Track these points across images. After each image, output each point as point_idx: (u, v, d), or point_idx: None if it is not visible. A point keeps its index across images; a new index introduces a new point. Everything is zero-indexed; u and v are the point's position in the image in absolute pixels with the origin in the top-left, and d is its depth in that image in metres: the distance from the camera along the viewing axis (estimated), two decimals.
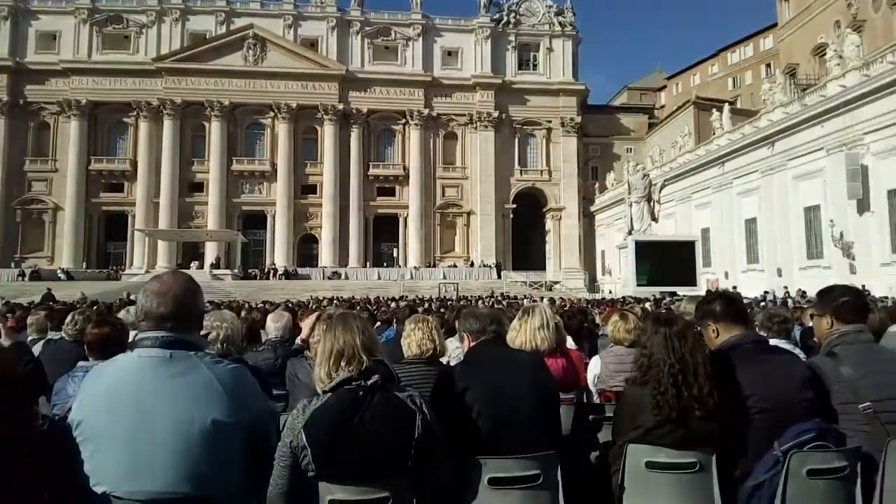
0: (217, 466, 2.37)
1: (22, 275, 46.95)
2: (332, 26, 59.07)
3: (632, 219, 33.73)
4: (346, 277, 51.88)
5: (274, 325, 6.13)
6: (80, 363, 4.18)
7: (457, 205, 60.78)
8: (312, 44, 59.14)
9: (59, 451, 2.35)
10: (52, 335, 6.75)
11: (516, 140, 61.38)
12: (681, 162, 45.68)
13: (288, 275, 51.63)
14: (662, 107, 77.60)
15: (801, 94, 35.05)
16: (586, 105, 64.49)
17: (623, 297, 25.64)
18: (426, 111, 59.40)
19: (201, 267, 50.82)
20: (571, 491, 3.17)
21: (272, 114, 58.00)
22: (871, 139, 27.55)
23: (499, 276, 52.85)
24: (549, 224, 62.34)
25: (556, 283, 54.92)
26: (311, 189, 58.62)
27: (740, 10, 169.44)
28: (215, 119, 56.83)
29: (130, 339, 3.54)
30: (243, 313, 11.07)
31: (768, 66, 63.34)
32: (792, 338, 5.97)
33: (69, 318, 6.04)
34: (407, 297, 30.28)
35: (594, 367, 5.52)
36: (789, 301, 23.17)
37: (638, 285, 28.73)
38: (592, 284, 58.52)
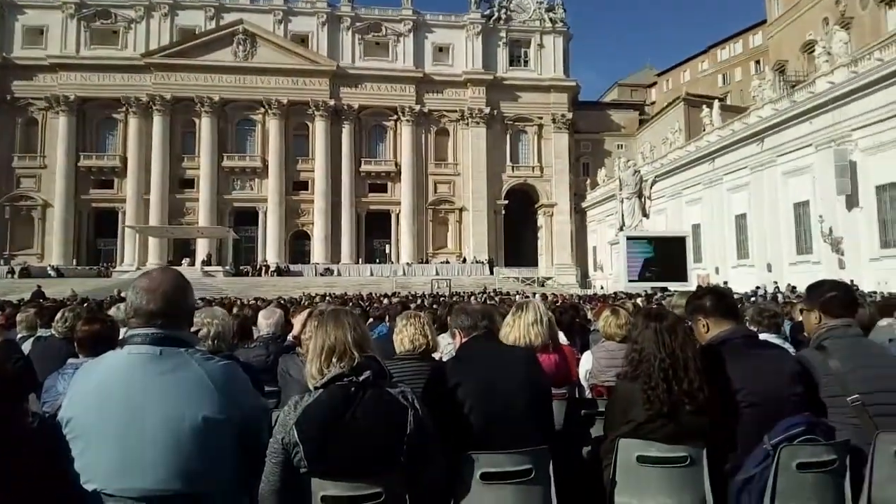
0: (208, 463, 2.36)
1: (11, 272, 46.58)
2: (322, 22, 58.80)
3: (623, 215, 33.82)
4: (339, 274, 51.79)
5: (266, 322, 6.11)
6: (70, 360, 4.16)
7: (449, 201, 60.77)
8: (303, 39, 58.85)
9: (50, 448, 2.34)
10: (41, 332, 6.71)
11: (508, 136, 61.40)
12: (671, 158, 45.85)
13: (280, 271, 51.48)
14: (653, 103, 77.84)
15: (790, 90, 35.24)
16: (577, 101, 64.58)
17: (614, 293, 25.74)
18: (418, 107, 59.30)
19: (193, 264, 50.61)
20: (563, 485, 3.18)
21: (263, 110, 57.70)
22: (860, 135, 27.75)
23: (491, 273, 52.94)
24: (540, 220, 62.46)
25: (549, 279, 55.08)
26: (303, 185, 58.41)
27: (730, 7, 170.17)
28: (205, 115, 56.48)
29: (121, 336, 3.52)
30: (235, 310, 11.04)
31: (758, 62, 63.64)
32: (782, 332, 6.01)
33: (59, 315, 6.00)
34: (399, 293, 30.28)
35: (586, 362, 5.54)
36: (779, 296, 23.33)
37: (629, 281, 28.88)
38: (584, 280, 58.70)
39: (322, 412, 2.60)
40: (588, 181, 62.45)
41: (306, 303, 16.30)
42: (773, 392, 3.29)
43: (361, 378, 2.69)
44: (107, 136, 57.72)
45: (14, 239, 54.43)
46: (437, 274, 50.12)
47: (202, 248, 54.84)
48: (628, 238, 30.87)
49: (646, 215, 33.92)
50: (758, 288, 29.26)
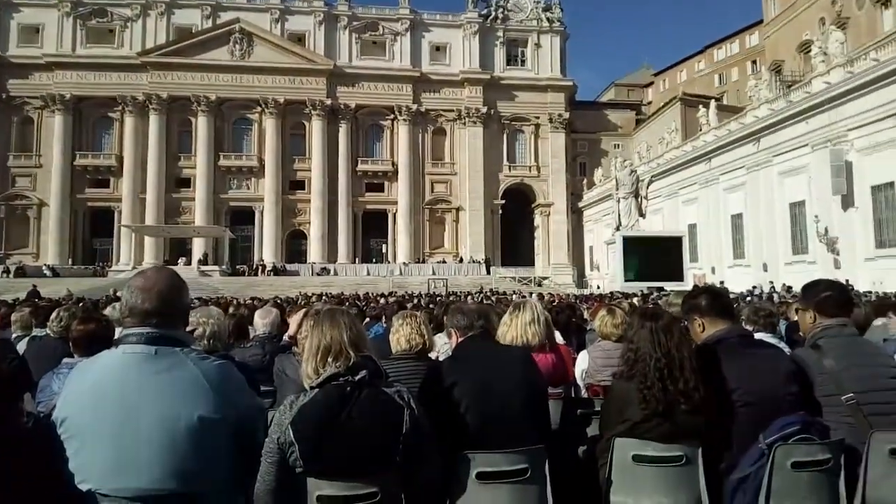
0: (203, 463, 2.35)
1: (7, 272, 46.43)
2: (319, 21, 58.72)
3: (619, 214, 33.84)
4: (335, 273, 51.75)
5: (262, 322, 6.10)
6: (65, 360, 4.15)
7: (446, 200, 60.76)
8: (300, 38, 58.77)
9: (44, 448, 2.33)
10: (36, 332, 6.68)
11: (505, 136, 61.41)
12: (668, 158, 45.93)
13: (276, 271, 51.41)
14: (649, 103, 77.95)
15: (786, 90, 35.30)
16: (574, 101, 64.64)
17: (611, 293, 25.77)
18: (414, 107, 59.28)
19: (189, 263, 50.51)
20: (559, 485, 3.19)
21: (259, 109, 57.60)
22: (856, 135, 27.84)
23: (488, 272, 52.94)
24: (537, 220, 62.50)
25: (545, 278, 55.10)
26: (300, 185, 58.33)
27: (727, 7, 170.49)
28: (202, 114, 56.36)
29: (116, 336, 3.51)
30: (231, 309, 11.03)
31: (754, 62, 63.77)
32: (777, 332, 6.03)
33: (54, 314, 5.98)
34: (396, 293, 30.26)
35: (582, 361, 5.56)
36: (775, 296, 23.39)
37: (625, 281, 28.90)
38: (581, 280, 58.78)
39: (318, 412, 2.60)
40: (585, 181, 62.54)
41: (303, 302, 16.29)
42: (769, 391, 3.29)
43: (357, 378, 2.69)
44: (103, 135, 57.57)
45: (9, 238, 54.25)
46: (434, 274, 50.13)
47: (198, 247, 54.71)
48: (625, 238, 30.89)
49: (642, 215, 33.94)
50: (754, 287, 29.33)
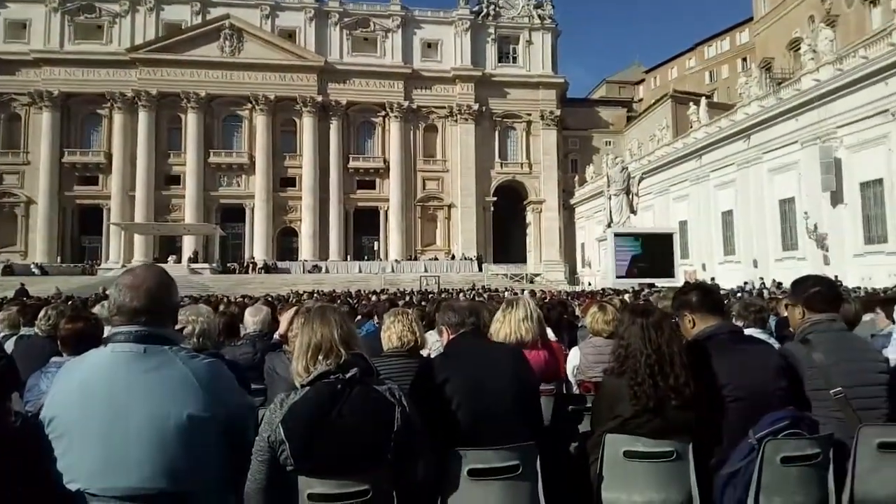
0: (193, 462, 2.34)
1: None
2: (309, 17, 58.45)
3: (611, 211, 33.97)
4: (327, 271, 51.63)
5: (252, 320, 6.09)
6: (54, 359, 4.12)
7: (437, 198, 60.72)
8: (290, 35, 58.48)
9: (32, 448, 2.31)
10: (24, 331, 6.62)
11: (496, 133, 61.41)
12: (659, 155, 46.10)
13: (267, 268, 51.22)
14: (641, 100, 78.20)
15: (776, 87, 35.52)
16: (566, 98, 64.71)
17: (602, 289, 25.87)
18: (406, 103, 59.15)
19: (179, 261, 50.24)
20: (551, 481, 3.19)
21: (250, 105, 57.30)
22: (845, 132, 28.04)
23: (480, 269, 52.95)
24: (529, 217, 62.59)
25: (537, 275, 55.20)
26: (291, 182, 58.10)
27: (717, 5, 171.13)
28: (192, 111, 56.00)
29: (105, 335, 3.48)
30: (222, 307, 10.98)
31: (744, 60, 64.08)
32: (767, 328, 6.06)
33: (42, 312, 5.94)
34: (388, 290, 30.23)
35: (573, 358, 5.57)
36: (765, 292, 23.56)
37: (617, 277, 29.03)
38: (573, 276, 58.92)
39: (308, 410, 2.59)
40: (576, 178, 62.68)
41: (294, 300, 16.24)
42: (759, 387, 3.31)
43: (348, 375, 2.68)
44: (91, 132, 57.07)
45: None
46: (426, 271, 50.12)
47: (188, 245, 54.42)
48: (616, 234, 31.01)
49: (633, 212, 34.09)
50: (745, 283, 29.53)
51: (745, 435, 3.14)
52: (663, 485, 3.20)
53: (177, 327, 2.97)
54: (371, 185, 59.97)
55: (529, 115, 61.37)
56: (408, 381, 3.49)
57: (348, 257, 56.93)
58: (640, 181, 36.38)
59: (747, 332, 4.69)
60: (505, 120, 61.61)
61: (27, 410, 3.41)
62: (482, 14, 61.42)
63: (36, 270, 46.87)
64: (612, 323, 5.30)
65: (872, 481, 3.21)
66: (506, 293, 20.39)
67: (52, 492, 2.27)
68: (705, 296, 3.72)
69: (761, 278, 31.09)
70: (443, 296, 20.21)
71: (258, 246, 56.02)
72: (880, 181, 26.39)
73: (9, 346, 6.15)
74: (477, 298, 17.51)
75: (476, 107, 59.71)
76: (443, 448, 3.00)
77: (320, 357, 2.72)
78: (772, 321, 7.22)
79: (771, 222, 33.45)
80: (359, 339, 2.93)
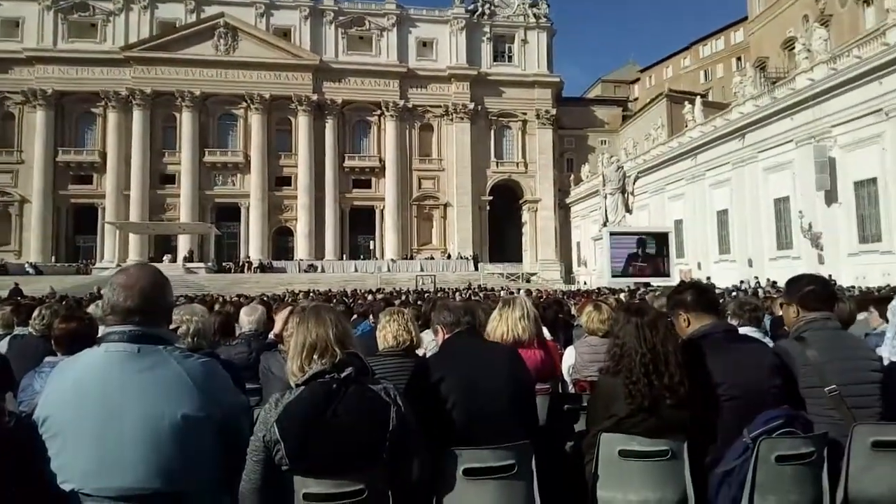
0: (188, 461, 2.33)
1: None
2: (304, 16, 58.33)
3: (606, 210, 34.03)
4: (323, 270, 51.58)
5: (247, 319, 6.06)
6: (48, 358, 4.10)
7: (433, 197, 60.70)
8: (285, 33, 58.35)
9: (26, 448, 2.30)
10: (18, 331, 6.60)
11: (492, 132, 61.41)
12: (654, 154, 46.20)
13: (263, 268, 51.13)
14: (636, 99, 78.33)
15: (770, 87, 35.63)
16: (561, 97, 64.77)
17: (598, 288, 25.91)
18: (401, 102, 59.10)
19: (174, 260, 50.14)
20: (546, 480, 3.20)
21: (245, 104, 57.14)
22: (839, 132, 28.15)
23: (476, 269, 52.99)
24: (525, 216, 62.63)
25: (533, 274, 55.27)
26: (286, 181, 57.98)
27: (712, 4, 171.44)
28: (186, 109, 55.81)
29: (100, 334, 3.46)
30: (217, 307, 10.94)
31: (739, 59, 64.22)
32: (762, 326, 6.08)
33: (36, 312, 5.92)
34: (384, 289, 30.22)
35: (569, 357, 5.57)
36: (760, 291, 23.63)
37: (612, 276, 29.08)
38: (568, 276, 59.02)
39: (303, 409, 2.58)
40: (572, 177, 62.74)
41: (290, 299, 16.22)
42: (754, 385, 3.32)
43: (343, 375, 2.67)
44: (85, 131, 56.82)
45: None
46: (422, 270, 50.14)
47: (184, 244, 54.27)
48: (611, 233, 31.06)
49: (629, 211, 34.16)
50: (742, 282, 29.60)
51: (739, 434, 3.15)
52: (658, 484, 3.21)
53: (171, 327, 2.96)
54: (367, 185, 59.91)
55: (525, 114, 61.40)
56: (403, 381, 3.49)
57: (344, 256, 56.86)
58: (635, 180, 36.47)
59: (742, 330, 4.70)
60: (500, 119, 61.62)
61: (21, 410, 3.39)
62: (477, 13, 61.41)
63: (30, 270, 46.68)
64: (607, 322, 5.31)
65: (866, 480, 3.22)
66: (502, 292, 20.41)
67: (46, 492, 2.26)
68: (700, 295, 3.73)
69: (756, 277, 31.18)
70: (439, 295, 20.22)
71: (254, 245, 55.91)
72: (874, 180, 26.51)
73: (2, 346, 6.14)
74: (473, 298, 17.52)
75: (471, 106, 59.71)
76: (438, 447, 3.00)
77: (315, 356, 2.71)
78: (767, 320, 7.24)
79: (766, 221, 33.57)
80: (354, 338, 2.93)
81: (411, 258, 56.88)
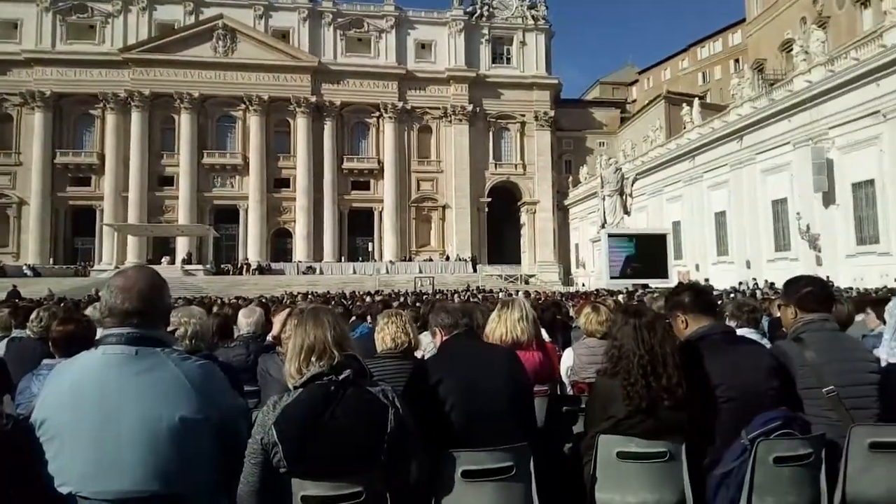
0: (186, 464, 2.33)
1: None
2: (303, 17, 58.36)
3: (605, 212, 34.03)
4: (321, 272, 51.52)
5: (246, 321, 6.06)
6: (45, 361, 4.09)
7: (432, 198, 60.70)
8: (284, 35, 58.36)
9: (23, 451, 2.30)
10: (16, 333, 6.58)
11: (490, 134, 61.45)
12: (652, 156, 46.25)
13: (261, 270, 51.08)
14: (634, 101, 78.41)
15: (768, 89, 35.69)
16: (559, 99, 64.83)
17: (596, 290, 25.92)
18: (400, 104, 59.13)
19: (173, 262, 50.08)
20: (545, 482, 3.20)
21: (243, 106, 57.12)
22: (836, 133, 28.20)
23: (474, 270, 52.99)
24: (523, 218, 62.65)
25: (532, 276, 55.27)
26: (285, 183, 57.95)
27: (710, 6, 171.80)
28: (185, 111, 55.78)
29: (98, 336, 3.45)
30: (215, 309, 10.93)
31: (737, 61, 64.33)
32: (760, 328, 6.09)
33: (34, 314, 5.90)
34: (382, 291, 30.19)
35: (567, 358, 5.58)
36: (758, 292, 23.66)
37: (611, 278, 29.08)
38: (567, 277, 59.01)
39: (301, 411, 2.58)
40: (570, 179, 62.79)
41: (288, 301, 16.21)
42: (751, 387, 3.32)
43: (341, 377, 2.67)
44: (84, 133, 56.76)
45: None
46: (421, 272, 50.12)
47: (182, 246, 54.19)
48: (610, 235, 31.07)
49: (627, 213, 34.16)
50: (740, 284, 29.63)
51: (737, 435, 3.15)
52: (656, 485, 3.21)
53: (169, 329, 2.96)
54: (365, 186, 59.90)
55: (523, 115, 61.46)
56: (402, 383, 3.49)
57: (342, 258, 56.82)
58: (633, 182, 36.47)
59: (740, 332, 4.71)
60: (499, 121, 61.66)
61: (19, 413, 3.39)
62: (476, 15, 61.47)
63: (28, 272, 46.61)
64: (605, 324, 5.31)
65: (864, 481, 3.23)
66: (500, 294, 20.42)
67: (43, 495, 2.26)
68: (697, 296, 3.74)
69: (754, 279, 31.21)
70: (437, 297, 20.22)
71: (252, 247, 55.85)
72: (872, 182, 26.55)
73: (0, 349, 6.12)
74: (471, 299, 17.52)
75: (470, 108, 59.76)
76: (436, 449, 3.00)
77: (313, 359, 2.71)
78: (764, 322, 7.25)
79: (764, 223, 33.61)
80: (352, 340, 2.92)
81: (410, 260, 56.86)
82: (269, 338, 5.45)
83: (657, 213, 44.67)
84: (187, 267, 49.16)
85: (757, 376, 3.37)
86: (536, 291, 28.32)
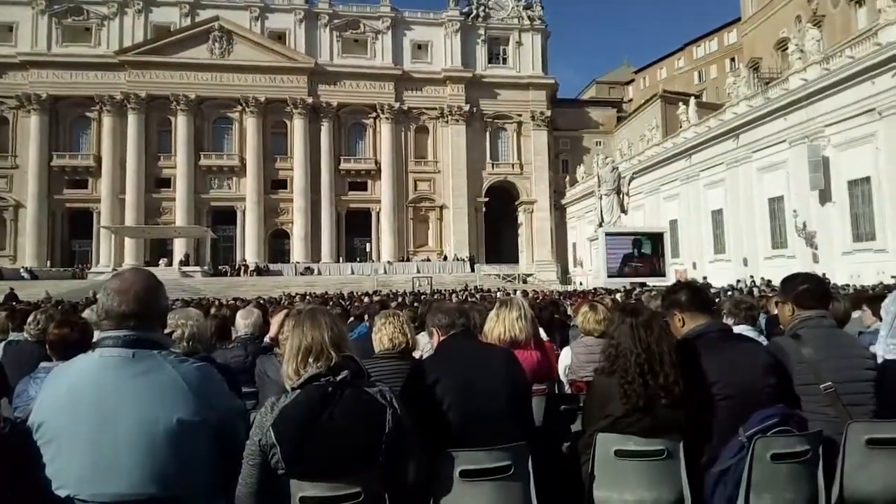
0: (183, 466, 2.33)
1: None
2: (299, 19, 58.32)
3: (602, 211, 34.09)
4: (319, 273, 51.47)
5: (244, 323, 6.06)
6: (43, 364, 4.08)
7: (429, 199, 60.71)
8: (280, 36, 58.32)
9: (21, 454, 2.29)
10: (13, 336, 6.56)
11: (487, 134, 61.50)
12: (649, 155, 46.30)
13: (259, 271, 51.02)
14: (630, 100, 78.49)
15: (764, 87, 35.74)
16: (556, 99, 64.89)
17: (594, 289, 25.94)
18: (397, 105, 59.13)
19: (170, 264, 49.98)
20: (543, 481, 3.20)
21: (240, 108, 57.07)
22: (832, 131, 28.27)
23: (472, 270, 53.01)
24: (521, 217, 62.70)
25: (529, 275, 55.30)
26: (282, 184, 57.92)
27: (705, 5, 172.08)
28: (181, 113, 55.71)
29: (95, 339, 3.45)
30: (213, 310, 10.92)
31: (732, 60, 64.41)
32: (757, 325, 6.10)
33: (31, 317, 5.89)
34: (380, 291, 30.17)
35: (565, 357, 5.58)
36: (755, 290, 23.70)
37: (608, 276, 29.12)
38: (564, 276, 59.06)
39: (299, 413, 2.58)
40: (567, 178, 62.87)
41: (286, 302, 16.19)
42: (748, 384, 3.33)
43: (339, 378, 2.67)
44: (80, 135, 56.66)
45: None
46: (419, 272, 50.10)
47: (179, 248, 54.14)
48: (607, 234, 31.11)
49: (624, 211, 34.22)
50: (738, 281, 29.67)
51: (734, 433, 3.15)
52: (654, 483, 3.21)
53: (166, 331, 2.96)
54: (363, 187, 59.89)
55: (520, 115, 61.50)
56: (399, 383, 3.49)
57: (340, 259, 56.80)
58: (630, 181, 36.55)
59: (738, 329, 4.72)
60: (496, 121, 61.70)
61: (16, 416, 3.38)
62: (472, 15, 61.50)
63: (25, 275, 46.47)
64: (602, 322, 5.32)
65: (861, 477, 3.24)
66: (498, 293, 20.42)
67: (41, 498, 2.25)
68: (694, 294, 3.74)
69: (751, 276, 31.27)
70: (435, 297, 20.22)
71: (250, 248, 55.80)
72: (868, 179, 26.62)
73: None
74: (469, 299, 17.52)
75: (467, 108, 59.78)
76: (434, 449, 3.00)
77: (311, 360, 2.71)
78: (762, 319, 7.26)
79: (760, 221, 33.67)
80: (349, 341, 2.92)
81: (407, 260, 56.85)
82: (266, 339, 5.44)
83: (654, 212, 44.72)
84: (185, 268, 49.07)
85: (754, 374, 3.38)
86: (534, 290, 28.31)
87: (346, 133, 60.09)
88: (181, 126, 55.76)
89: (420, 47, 60.71)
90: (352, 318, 9.51)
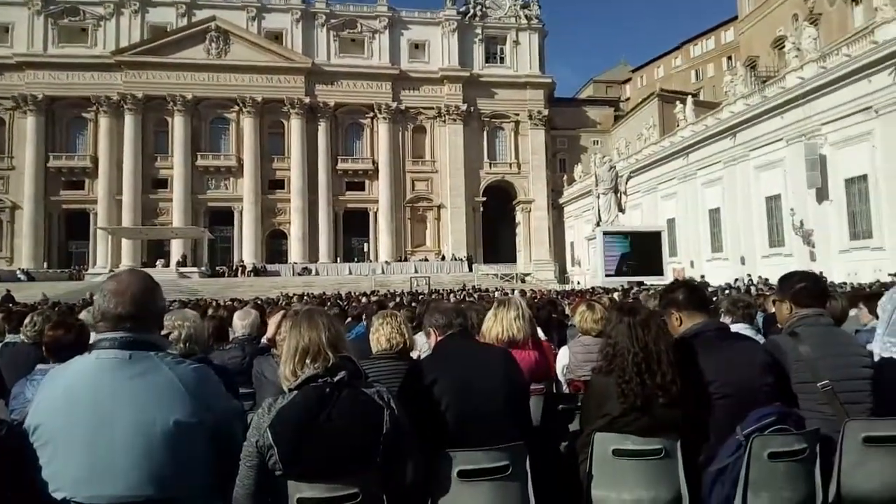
0: (181, 468, 2.32)
1: None
2: (296, 18, 58.27)
3: (599, 210, 34.10)
4: (317, 273, 51.45)
5: (241, 323, 6.05)
6: (39, 366, 4.06)
7: (427, 198, 60.70)
8: (277, 36, 58.27)
9: (18, 456, 2.29)
10: (10, 338, 6.54)
11: (485, 133, 61.52)
12: (646, 154, 46.34)
13: (257, 271, 51.00)
14: (627, 99, 78.54)
15: (761, 85, 35.79)
16: (553, 98, 64.93)
17: (592, 288, 25.95)
18: (394, 104, 59.11)
19: (167, 265, 49.93)
20: (541, 481, 3.20)
21: (237, 108, 57.00)
22: (829, 129, 28.30)
23: (470, 270, 53.03)
24: (519, 216, 62.73)
25: (527, 274, 55.30)
26: (279, 184, 57.87)
27: (702, 4, 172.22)
28: (178, 113, 55.63)
29: (91, 341, 3.44)
30: (210, 311, 10.91)
31: (729, 58, 64.43)
32: (755, 324, 6.10)
33: (27, 319, 5.87)
34: (378, 291, 30.17)
35: (563, 357, 5.58)
36: (752, 288, 23.72)
37: (606, 276, 29.14)
38: (562, 275, 59.08)
39: (296, 414, 2.58)
40: (565, 177, 62.91)
41: (284, 303, 16.18)
42: (746, 383, 3.33)
43: (336, 379, 2.67)
44: (77, 136, 56.58)
45: None
46: (416, 272, 50.10)
47: (177, 248, 54.07)
48: (605, 233, 31.13)
49: (622, 210, 34.23)
50: (736, 280, 29.69)
51: (732, 431, 3.16)
52: (652, 482, 3.21)
53: (163, 333, 2.95)
54: (360, 187, 59.86)
55: (517, 115, 61.52)
56: (397, 384, 3.49)
57: (338, 259, 56.77)
58: (627, 180, 36.56)
59: (735, 327, 4.73)
60: (493, 120, 61.72)
61: (13, 418, 3.37)
62: (469, 14, 61.50)
63: (22, 276, 46.38)
64: (600, 322, 5.31)
65: (858, 475, 3.24)
66: (496, 293, 20.41)
67: (37, 500, 2.25)
68: (691, 293, 3.75)
69: (749, 275, 31.30)
70: (433, 297, 20.21)
71: (247, 249, 55.74)
72: (864, 177, 26.67)
73: None
74: (467, 299, 17.51)
75: (464, 107, 59.78)
76: (432, 450, 3.00)
77: (308, 361, 2.70)
78: (759, 318, 7.26)
79: (757, 219, 33.71)
80: (347, 341, 2.92)
81: (405, 260, 56.85)
82: (264, 340, 5.43)
83: (652, 211, 44.75)
84: (182, 269, 49.03)
85: (751, 372, 3.38)
86: (532, 290, 28.31)
87: (343, 133, 60.05)
88: (178, 126, 55.67)
89: (417, 47, 60.69)
90: (349, 319, 9.50)
